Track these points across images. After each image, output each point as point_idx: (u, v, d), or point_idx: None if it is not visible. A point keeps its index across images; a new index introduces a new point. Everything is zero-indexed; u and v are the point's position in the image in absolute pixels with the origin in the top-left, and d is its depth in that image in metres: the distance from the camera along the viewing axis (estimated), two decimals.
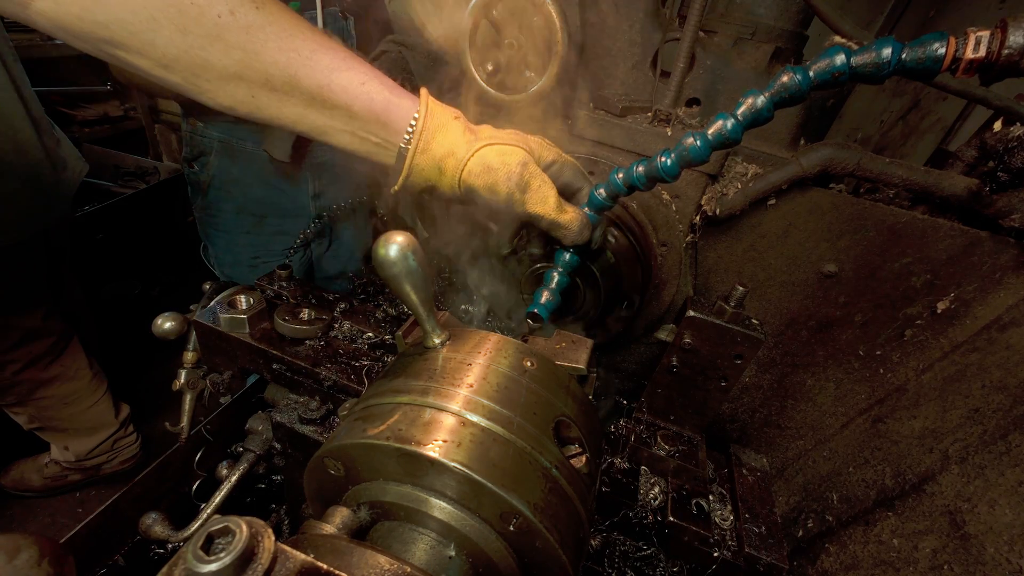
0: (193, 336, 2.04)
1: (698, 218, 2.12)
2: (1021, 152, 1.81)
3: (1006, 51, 0.95)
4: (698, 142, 1.31)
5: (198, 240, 3.74)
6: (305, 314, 1.98)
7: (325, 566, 0.77)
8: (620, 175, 1.48)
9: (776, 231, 2.14)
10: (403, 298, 1.24)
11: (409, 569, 0.88)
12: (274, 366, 1.89)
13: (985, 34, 0.97)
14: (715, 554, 1.59)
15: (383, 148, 1.48)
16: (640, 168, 1.43)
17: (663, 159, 1.38)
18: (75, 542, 1.63)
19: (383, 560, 0.88)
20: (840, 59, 1.11)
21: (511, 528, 1.05)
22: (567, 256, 1.69)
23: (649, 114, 2.04)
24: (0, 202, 2.88)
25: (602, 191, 1.54)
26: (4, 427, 4.29)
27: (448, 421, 1.09)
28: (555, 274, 1.70)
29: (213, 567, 0.66)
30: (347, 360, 1.88)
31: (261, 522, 0.74)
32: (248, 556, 0.69)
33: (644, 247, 2.09)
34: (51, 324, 3.55)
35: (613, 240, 2.00)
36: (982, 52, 0.97)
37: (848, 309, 2.14)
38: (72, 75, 6.38)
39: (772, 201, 2.07)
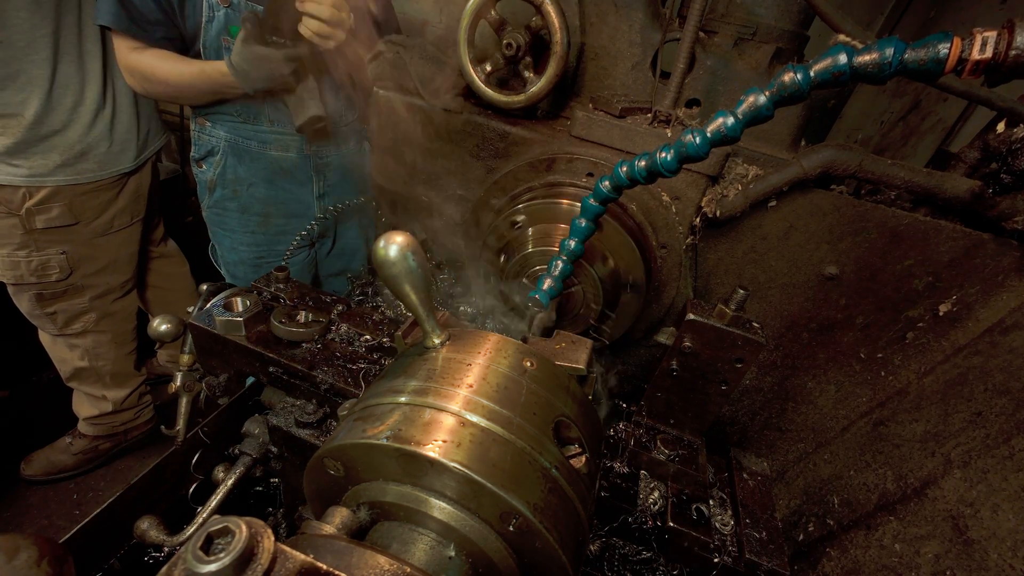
0: (189, 339, 2.03)
1: (698, 220, 2.11)
2: None
3: (1013, 52, 0.94)
4: (697, 139, 1.30)
5: (196, 240, 3.76)
6: (302, 316, 1.96)
7: (325, 566, 0.76)
8: (624, 168, 1.48)
9: (777, 233, 2.13)
10: (402, 298, 1.23)
11: (409, 569, 0.87)
12: (270, 369, 1.88)
13: (992, 35, 0.96)
14: (715, 559, 1.58)
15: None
16: (642, 163, 1.43)
17: (663, 154, 1.37)
18: (71, 545, 1.62)
19: (383, 560, 0.87)
20: (842, 59, 1.10)
21: (511, 528, 1.03)
22: (572, 244, 1.68)
23: (649, 115, 2.03)
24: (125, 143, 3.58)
25: (607, 183, 1.54)
26: (4, 427, 4.35)
27: (448, 421, 1.08)
28: (559, 262, 1.70)
29: (213, 567, 0.65)
30: (344, 363, 1.87)
31: (261, 522, 0.72)
32: (248, 556, 0.68)
33: (644, 249, 2.08)
34: (131, 266, 4.06)
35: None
36: (988, 53, 0.97)
37: (849, 311, 2.13)
38: None
39: (773, 203, 2.06)
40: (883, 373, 2.05)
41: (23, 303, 3.68)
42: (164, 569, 0.68)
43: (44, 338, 4.00)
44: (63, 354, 4.05)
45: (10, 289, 3.61)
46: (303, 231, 3.24)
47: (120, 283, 4.01)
